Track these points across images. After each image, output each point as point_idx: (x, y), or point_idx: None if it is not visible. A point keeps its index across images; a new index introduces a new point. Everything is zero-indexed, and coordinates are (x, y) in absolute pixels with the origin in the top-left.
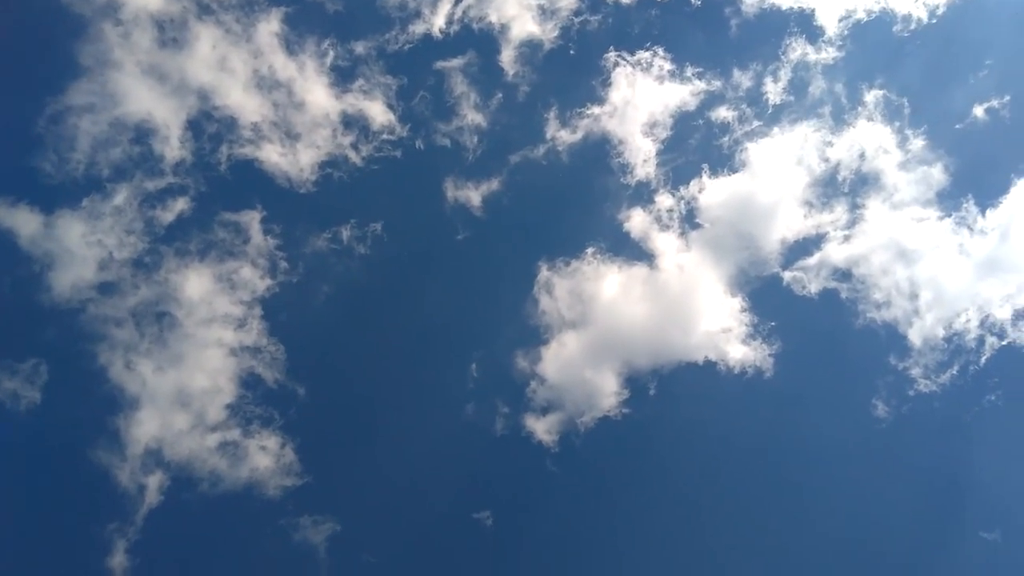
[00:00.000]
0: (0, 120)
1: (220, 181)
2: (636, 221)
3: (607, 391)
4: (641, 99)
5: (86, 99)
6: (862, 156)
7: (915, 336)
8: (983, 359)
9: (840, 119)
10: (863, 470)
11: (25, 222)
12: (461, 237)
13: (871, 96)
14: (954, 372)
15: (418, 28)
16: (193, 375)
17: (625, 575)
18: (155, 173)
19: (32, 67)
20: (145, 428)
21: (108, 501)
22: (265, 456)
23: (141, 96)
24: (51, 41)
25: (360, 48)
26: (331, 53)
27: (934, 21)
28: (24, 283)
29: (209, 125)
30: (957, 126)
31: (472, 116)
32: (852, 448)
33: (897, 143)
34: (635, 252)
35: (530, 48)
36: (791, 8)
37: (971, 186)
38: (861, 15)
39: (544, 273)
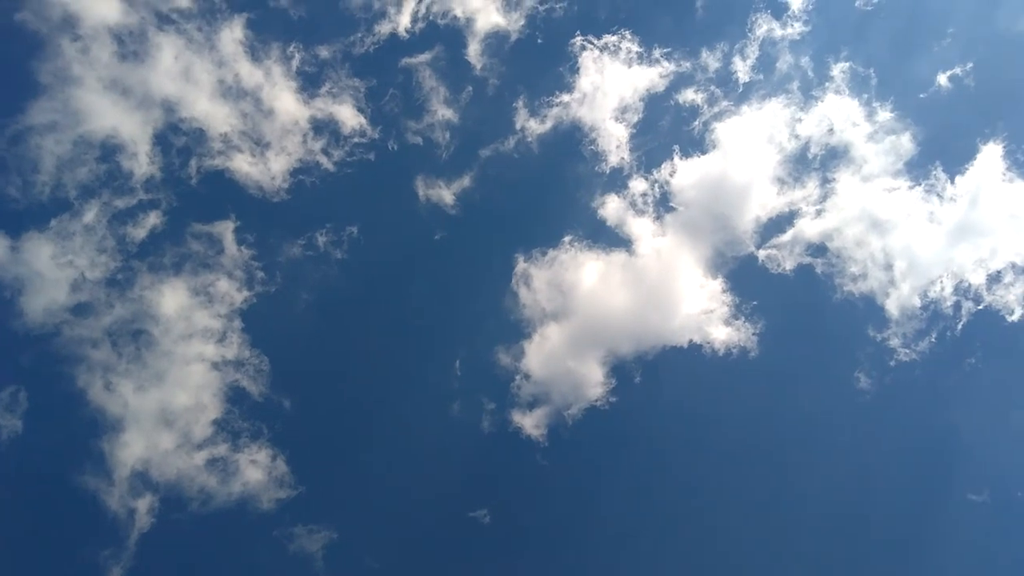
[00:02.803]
0: None
1: (192, 194)
2: (611, 207)
3: (593, 381)
4: (610, 84)
5: (48, 118)
6: (831, 130)
7: (892, 306)
8: (960, 325)
9: (808, 94)
10: (851, 442)
11: None
12: (438, 236)
13: (838, 69)
14: (932, 339)
15: (384, 28)
16: (175, 393)
17: (625, 563)
18: (124, 190)
19: None
20: (131, 450)
21: (100, 527)
22: (256, 470)
23: (105, 112)
24: (7, 60)
25: (325, 52)
26: (296, 58)
27: None
28: None
29: (177, 138)
30: (922, 95)
31: (442, 112)
32: (839, 422)
33: (865, 115)
34: (612, 239)
35: (496, 40)
36: None
37: (939, 154)
38: None
39: (521, 265)
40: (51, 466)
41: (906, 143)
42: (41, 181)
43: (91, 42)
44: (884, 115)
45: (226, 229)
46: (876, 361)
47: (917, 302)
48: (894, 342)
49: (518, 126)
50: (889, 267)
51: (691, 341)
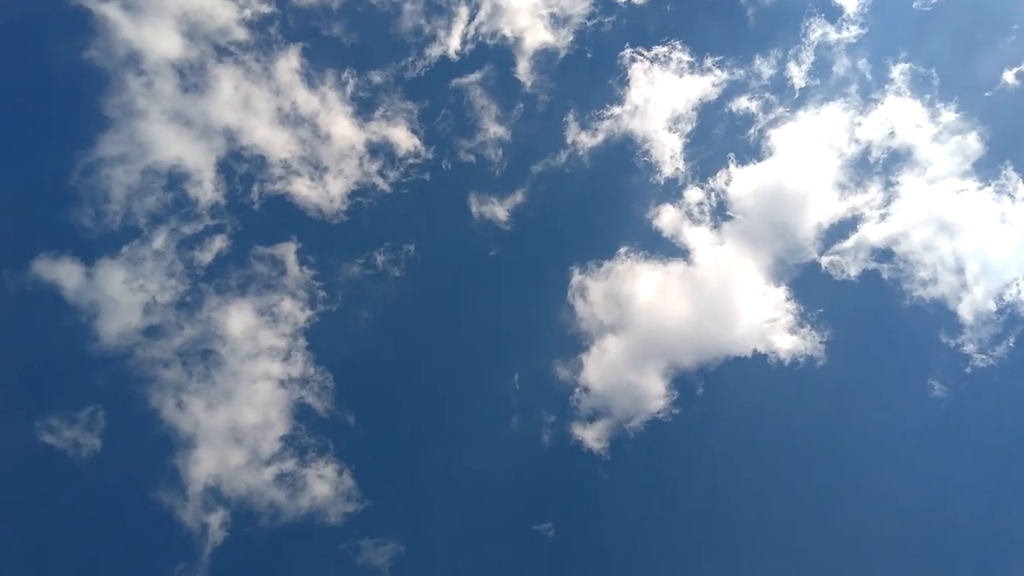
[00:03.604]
0: (34, 177)
1: (255, 218)
2: (666, 218)
3: (654, 393)
4: (661, 95)
5: (116, 150)
6: (892, 133)
7: (965, 311)
8: None
9: (868, 97)
10: (927, 454)
11: (68, 274)
12: (493, 252)
13: (897, 71)
14: (1010, 344)
15: (434, 51)
16: (244, 410)
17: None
18: (191, 217)
19: (60, 122)
20: (203, 466)
21: (175, 541)
22: (323, 484)
23: (170, 142)
24: (77, 96)
25: (378, 77)
26: (351, 84)
27: None
28: (73, 333)
29: (239, 165)
30: (987, 94)
31: (494, 129)
32: (913, 432)
33: (928, 116)
34: (668, 249)
35: (545, 56)
36: None
37: (1008, 153)
38: None
39: (577, 278)
40: (129, 482)
41: (973, 143)
42: (112, 210)
43: (154, 76)
44: (948, 115)
45: (288, 251)
46: (951, 368)
47: (992, 306)
48: (969, 348)
49: (569, 140)
50: (960, 271)
51: (755, 351)
